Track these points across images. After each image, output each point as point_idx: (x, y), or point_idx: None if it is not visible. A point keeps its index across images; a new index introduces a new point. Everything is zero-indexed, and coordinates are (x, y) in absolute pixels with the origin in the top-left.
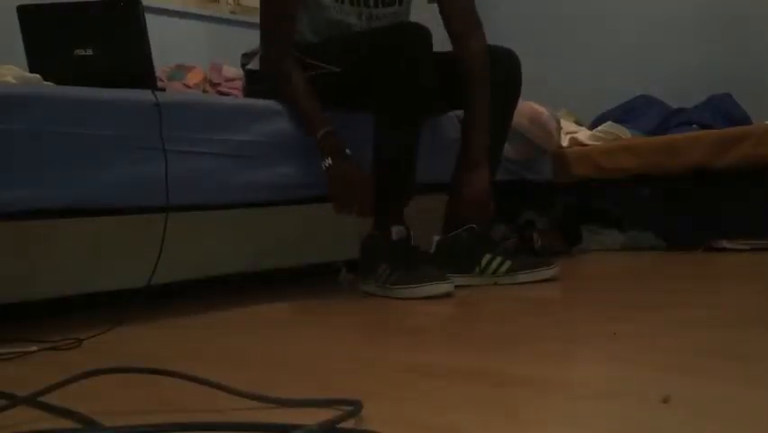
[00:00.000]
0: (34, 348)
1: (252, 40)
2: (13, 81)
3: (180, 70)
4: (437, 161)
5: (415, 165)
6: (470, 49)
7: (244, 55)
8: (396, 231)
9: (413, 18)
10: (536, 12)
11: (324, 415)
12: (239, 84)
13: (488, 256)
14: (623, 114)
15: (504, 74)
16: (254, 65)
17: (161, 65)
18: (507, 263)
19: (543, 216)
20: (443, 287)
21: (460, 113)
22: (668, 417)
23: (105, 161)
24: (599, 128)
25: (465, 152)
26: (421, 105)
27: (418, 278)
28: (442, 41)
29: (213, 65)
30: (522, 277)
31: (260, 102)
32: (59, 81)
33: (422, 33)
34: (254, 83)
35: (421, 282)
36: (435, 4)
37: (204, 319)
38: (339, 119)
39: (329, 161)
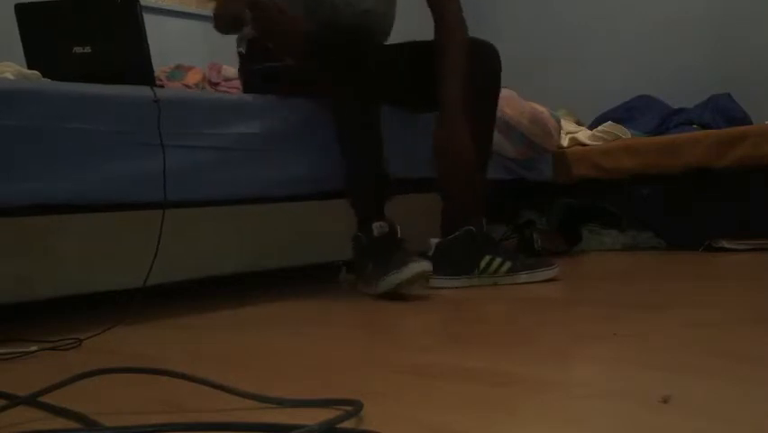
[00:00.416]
0: (34, 348)
1: None
2: (12, 78)
3: (180, 70)
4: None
5: (381, 157)
6: (445, 11)
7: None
8: (377, 227)
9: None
10: (537, 12)
11: (324, 415)
12: (238, 83)
13: (487, 257)
14: (623, 114)
15: (482, 66)
16: (243, 47)
17: (161, 65)
18: (508, 264)
19: (543, 216)
20: (416, 267)
21: None
22: (668, 417)
23: (103, 156)
24: (599, 128)
25: (441, 106)
26: (368, 91)
27: (393, 266)
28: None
29: (212, 65)
30: (523, 277)
31: (259, 98)
32: (57, 79)
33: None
34: (247, 63)
35: (397, 269)
36: None
37: (204, 319)
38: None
39: (249, 14)
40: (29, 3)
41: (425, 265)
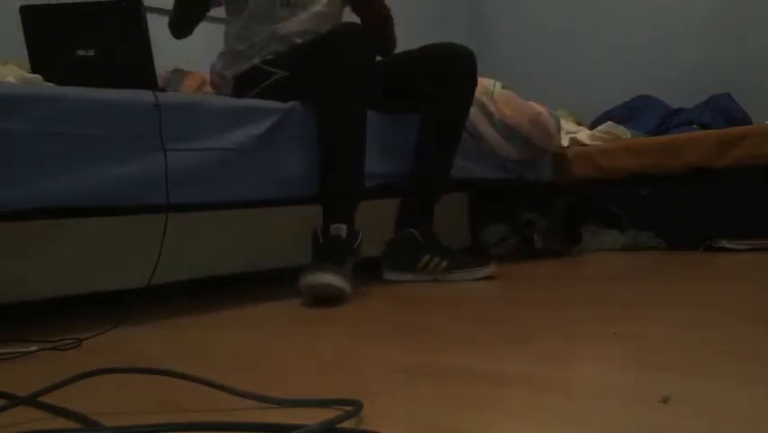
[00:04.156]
0: (34, 348)
1: None
2: (14, 81)
3: (176, 76)
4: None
5: (360, 161)
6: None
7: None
8: (334, 229)
9: None
10: (536, 12)
11: (324, 415)
12: None
13: (426, 256)
14: (623, 114)
15: (460, 68)
16: (232, 69)
17: (161, 68)
18: (444, 263)
19: (543, 216)
20: (316, 277)
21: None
22: (668, 417)
23: (105, 160)
24: (599, 128)
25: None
26: (358, 87)
27: (312, 270)
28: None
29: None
30: (456, 276)
31: (260, 101)
32: (61, 81)
33: (353, 29)
34: (240, 92)
35: (313, 273)
36: None
37: (204, 319)
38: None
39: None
40: (33, 5)
41: (328, 278)
